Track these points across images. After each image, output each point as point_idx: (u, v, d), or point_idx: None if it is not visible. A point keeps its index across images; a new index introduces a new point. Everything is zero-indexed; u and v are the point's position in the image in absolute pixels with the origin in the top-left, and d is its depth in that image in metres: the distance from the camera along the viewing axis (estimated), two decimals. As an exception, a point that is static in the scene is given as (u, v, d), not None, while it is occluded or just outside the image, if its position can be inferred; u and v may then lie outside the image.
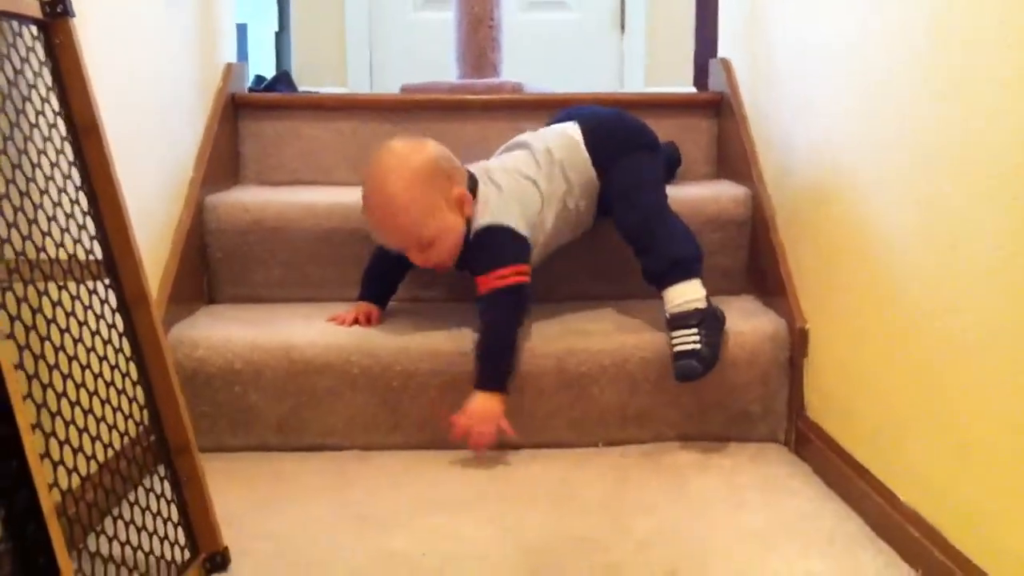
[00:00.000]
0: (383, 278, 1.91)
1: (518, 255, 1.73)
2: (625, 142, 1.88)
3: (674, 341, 1.70)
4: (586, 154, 1.84)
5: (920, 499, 1.31)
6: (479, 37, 2.70)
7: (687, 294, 1.71)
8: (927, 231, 1.28)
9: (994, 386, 1.13)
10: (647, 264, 1.78)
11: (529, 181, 1.80)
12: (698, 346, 1.67)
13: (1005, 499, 1.11)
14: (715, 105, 2.28)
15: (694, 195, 2.03)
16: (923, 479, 1.31)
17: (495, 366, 1.69)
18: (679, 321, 1.70)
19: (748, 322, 1.80)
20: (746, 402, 1.77)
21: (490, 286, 1.70)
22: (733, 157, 2.17)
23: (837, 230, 1.59)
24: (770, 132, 1.99)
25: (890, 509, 1.36)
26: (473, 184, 1.77)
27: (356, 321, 1.83)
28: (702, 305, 1.71)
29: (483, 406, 1.65)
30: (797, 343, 1.74)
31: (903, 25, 1.35)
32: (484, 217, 1.73)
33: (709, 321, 1.71)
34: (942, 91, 1.25)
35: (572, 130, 1.88)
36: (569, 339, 1.75)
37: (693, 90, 2.74)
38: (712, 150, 2.29)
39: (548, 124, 1.98)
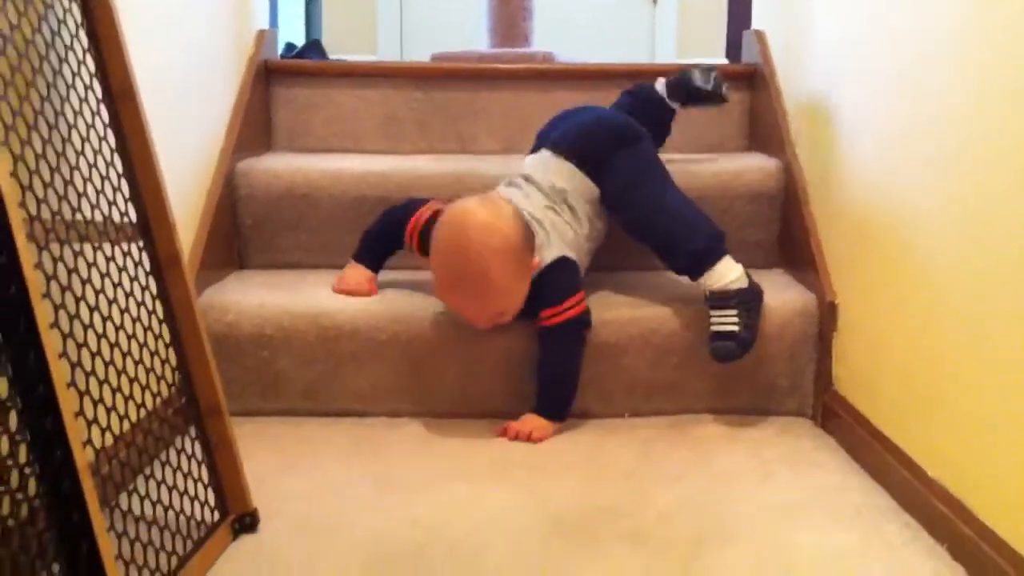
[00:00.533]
0: (386, 245, 1.87)
1: (579, 283, 1.73)
2: (600, 146, 1.82)
3: (712, 320, 1.69)
4: (580, 173, 1.80)
5: (946, 473, 1.31)
6: (510, 6, 2.70)
7: (725, 276, 1.70)
8: (956, 216, 1.27)
9: (1020, 365, 1.12)
10: (670, 264, 1.78)
11: (554, 212, 1.77)
12: (736, 328, 1.67)
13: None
14: (748, 77, 2.26)
15: (726, 168, 2.02)
16: (949, 454, 1.30)
17: (561, 397, 1.70)
18: (718, 301, 1.69)
19: (778, 296, 1.79)
20: (774, 376, 1.77)
21: (561, 318, 1.68)
22: (765, 130, 2.16)
23: (869, 206, 1.58)
24: (803, 105, 1.97)
25: (916, 483, 1.36)
26: (530, 232, 1.71)
27: (356, 291, 1.81)
28: (743, 284, 1.70)
29: (539, 426, 1.66)
30: (826, 318, 1.74)
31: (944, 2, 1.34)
32: (544, 254, 1.70)
33: (749, 301, 1.70)
34: (977, 75, 1.24)
35: (555, 158, 1.84)
36: (597, 310, 1.75)
37: (725, 62, 2.71)
38: (744, 123, 2.28)
39: (532, 151, 1.94)
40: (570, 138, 1.84)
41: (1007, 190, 1.16)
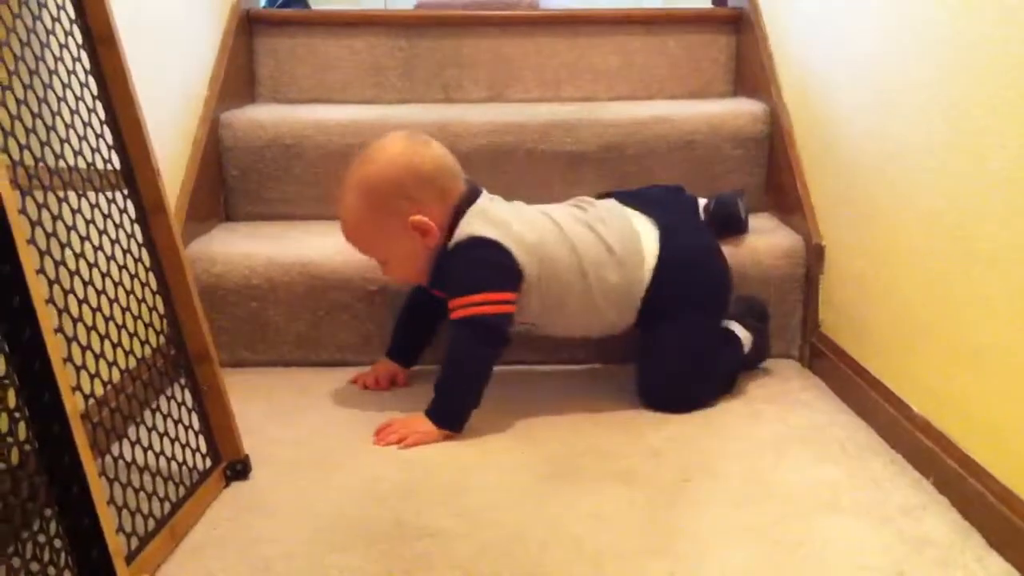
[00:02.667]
0: (412, 327, 1.71)
1: (497, 278, 1.50)
2: (691, 296, 1.59)
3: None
4: (644, 282, 1.58)
5: (932, 408, 1.32)
6: (495, -47, 2.67)
7: None
8: (952, 141, 1.27)
9: (1012, 294, 1.13)
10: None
11: (549, 220, 1.57)
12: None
13: (1018, 406, 1.11)
14: (734, 21, 2.25)
15: (712, 112, 2.01)
16: (935, 389, 1.31)
17: (449, 404, 1.48)
18: None
19: (764, 239, 1.80)
20: (761, 318, 1.78)
21: (461, 313, 1.49)
22: (751, 74, 2.15)
23: (857, 144, 1.58)
24: (789, 47, 1.96)
25: (902, 419, 1.37)
26: (471, 200, 1.54)
27: (375, 384, 1.66)
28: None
29: (421, 431, 1.45)
30: (813, 259, 1.74)
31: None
32: (465, 229, 1.51)
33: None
34: (963, 8, 1.23)
35: (638, 249, 1.58)
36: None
37: (710, 6, 2.70)
38: (730, 67, 2.27)
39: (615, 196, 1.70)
40: (684, 263, 1.59)
41: (995, 125, 1.16)
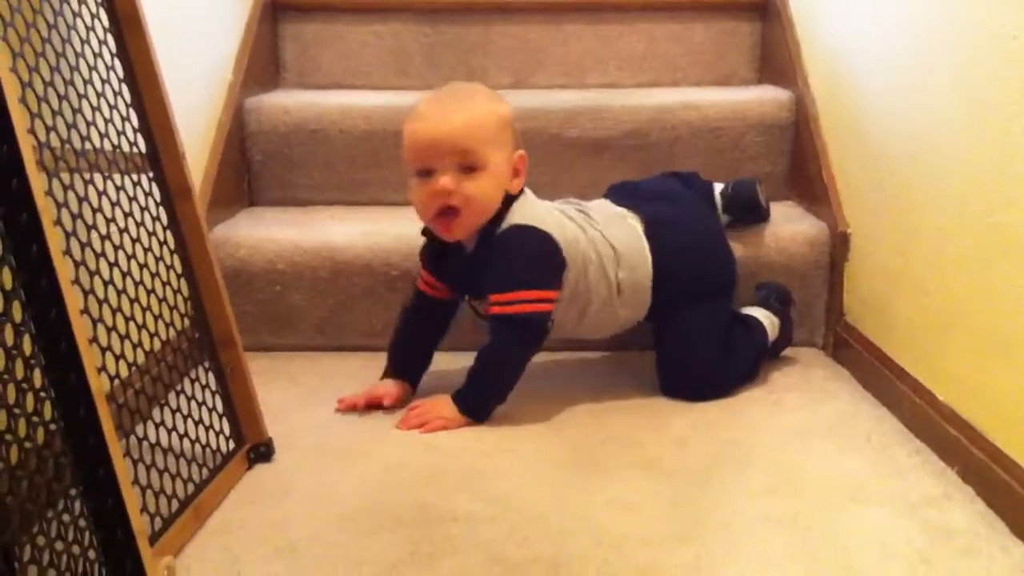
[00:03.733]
0: (413, 344, 1.60)
1: (547, 275, 1.46)
2: (694, 285, 1.57)
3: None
4: (649, 276, 1.56)
5: (957, 397, 1.31)
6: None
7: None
8: (980, 128, 1.25)
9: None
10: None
11: (568, 218, 1.54)
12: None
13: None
14: (760, 8, 2.24)
15: (737, 99, 2.00)
16: (961, 378, 1.30)
17: (479, 395, 1.46)
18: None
19: (789, 227, 1.79)
20: (785, 307, 1.77)
21: (506, 310, 1.43)
22: (777, 61, 2.14)
23: (884, 132, 1.57)
24: (816, 35, 1.94)
25: (927, 408, 1.36)
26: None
27: (369, 404, 1.52)
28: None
29: (445, 416, 1.43)
30: (838, 248, 1.73)
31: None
32: (517, 217, 1.45)
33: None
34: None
35: (641, 247, 1.56)
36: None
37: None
38: (755, 54, 2.27)
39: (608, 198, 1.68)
40: (679, 252, 1.57)
41: (1023, 112, 1.15)
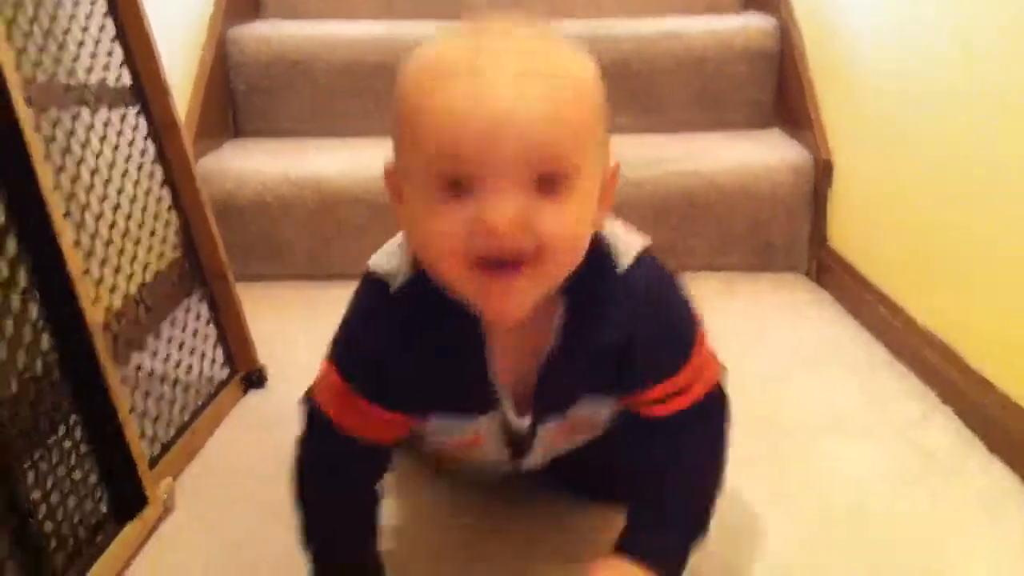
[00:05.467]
0: (350, 515, 0.90)
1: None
2: None
3: None
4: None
5: (938, 322, 1.34)
6: None
7: None
8: (965, 59, 1.27)
9: (1013, 202, 1.13)
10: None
11: None
12: None
13: (1021, 318, 1.13)
14: (745, -66, 2.23)
15: (721, 28, 2.00)
16: (941, 303, 1.33)
17: (691, 537, 0.88)
18: None
19: (773, 155, 1.80)
20: (770, 234, 1.79)
21: (694, 394, 0.86)
22: (762, -14, 2.13)
23: (869, 60, 1.57)
24: (801, -40, 1.94)
25: (909, 334, 1.39)
26: None
27: None
28: None
29: None
30: (822, 175, 1.75)
31: None
32: (620, 241, 0.83)
33: None
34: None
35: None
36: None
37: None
38: (740, -20, 2.25)
39: None
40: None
41: (1005, 47, 1.16)
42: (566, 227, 0.70)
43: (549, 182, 0.69)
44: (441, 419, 0.88)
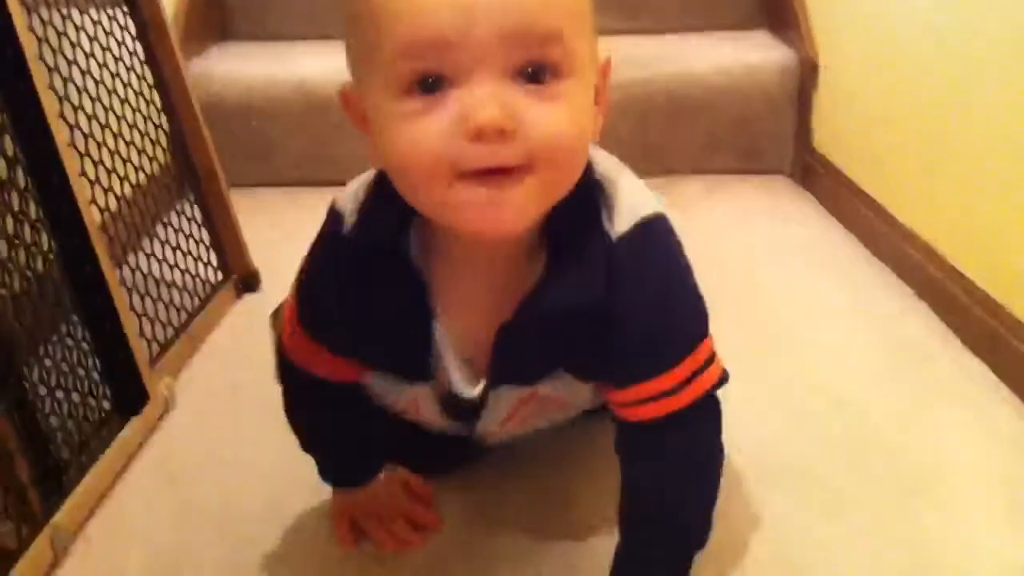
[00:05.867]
0: (355, 434, 0.89)
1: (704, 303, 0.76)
2: None
3: None
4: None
5: (918, 219, 1.36)
6: None
7: None
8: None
9: (1004, 108, 1.15)
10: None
11: None
12: None
13: (998, 213, 1.15)
14: None
15: (710, -74, 1.98)
16: (922, 201, 1.36)
17: (687, 562, 0.78)
18: None
19: (758, 54, 1.80)
20: (755, 135, 1.80)
21: (686, 398, 0.73)
22: None
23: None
24: None
25: (889, 231, 1.42)
26: None
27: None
28: None
29: None
30: (807, 76, 1.75)
31: None
32: (627, 199, 0.71)
33: None
34: None
35: None
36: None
37: None
38: None
39: None
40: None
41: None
42: (563, 125, 0.59)
43: (539, 71, 0.59)
44: (378, 378, 0.83)
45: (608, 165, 0.72)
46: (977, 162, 1.20)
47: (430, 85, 0.58)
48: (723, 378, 0.75)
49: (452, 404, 0.80)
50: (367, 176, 0.74)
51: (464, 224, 0.62)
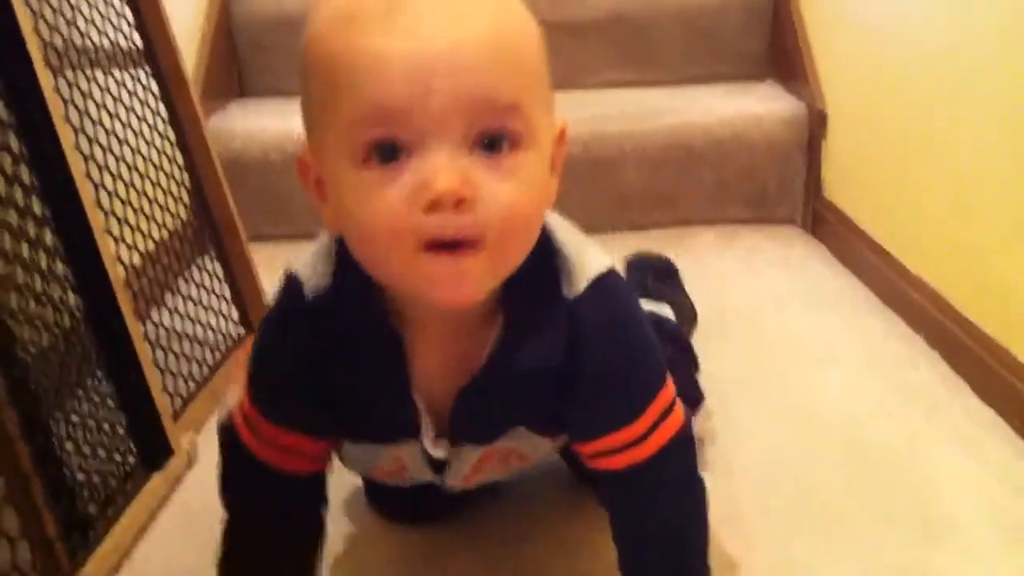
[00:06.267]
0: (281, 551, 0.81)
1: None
2: None
3: None
4: None
5: (926, 267, 1.38)
6: None
7: None
8: (945, 16, 1.30)
9: (1010, 155, 1.17)
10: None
11: None
12: None
13: (1007, 262, 1.17)
14: None
15: (717, -22, 2.02)
16: (930, 249, 1.37)
17: None
18: None
19: (767, 105, 1.83)
20: (765, 184, 1.82)
21: (663, 436, 0.74)
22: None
23: (862, 8, 1.60)
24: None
25: (898, 279, 1.43)
26: None
27: None
28: None
29: None
30: (816, 125, 1.77)
31: None
32: (582, 258, 0.72)
33: None
34: None
35: None
36: (593, 124, 1.78)
37: None
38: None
39: None
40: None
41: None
42: (518, 199, 0.60)
43: (496, 140, 0.59)
44: (358, 446, 0.81)
45: (557, 226, 0.73)
46: (988, 211, 1.22)
47: (387, 153, 0.59)
48: (687, 422, 0.76)
49: (428, 458, 0.80)
50: (322, 244, 0.74)
51: (425, 293, 0.63)
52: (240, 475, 0.80)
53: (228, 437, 0.79)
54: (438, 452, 0.78)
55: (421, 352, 0.72)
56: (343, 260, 0.69)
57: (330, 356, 0.72)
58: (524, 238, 0.64)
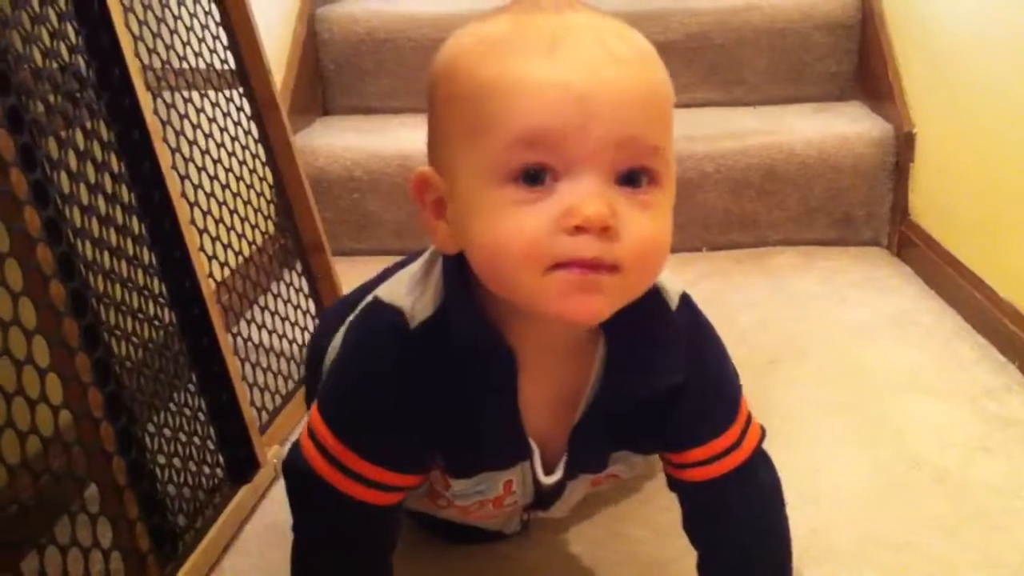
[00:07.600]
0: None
1: None
2: None
3: None
4: None
5: (1019, 294, 1.35)
6: None
7: None
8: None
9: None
10: None
11: None
12: None
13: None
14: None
15: (803, -1, 2.00)
16: (1022, 274, 1.34)
17: None
18: None
19: (854, 127, 1.81)
20: (850, 207, 1.80)
21: (750, 445, 0.78)
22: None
23: (950, 29, 1.57)
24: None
25: (989, 305, 1.40)
26: None
27: None
28: None
29: None
30: (903, 147, 1.75)
31: None
32: (669, 280, 0.75)
33: None
34: None
35: None
36: (677, 144, 1.75)
37: None
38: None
39: None
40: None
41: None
42: (655, 233, 0.62)
43: (638, 177, 0.61)
44: (469, 480, 0.78)
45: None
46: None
47: (534, 176, 0.60)
48: (763, 428, 0.80)
49: (537, 485, 0.79)
50: (413, 273, 0.74)
51: (552, 307, 0.62)
52: (315, 518, 0.78)
53: (299, 476, 0.76)
54: (551, 479, 0.77)
55: (525, 377, 0.71)
56: (453, 281, 0.69)
57: (439, 384, 0.71)
58: (656, 268, 0.65)
